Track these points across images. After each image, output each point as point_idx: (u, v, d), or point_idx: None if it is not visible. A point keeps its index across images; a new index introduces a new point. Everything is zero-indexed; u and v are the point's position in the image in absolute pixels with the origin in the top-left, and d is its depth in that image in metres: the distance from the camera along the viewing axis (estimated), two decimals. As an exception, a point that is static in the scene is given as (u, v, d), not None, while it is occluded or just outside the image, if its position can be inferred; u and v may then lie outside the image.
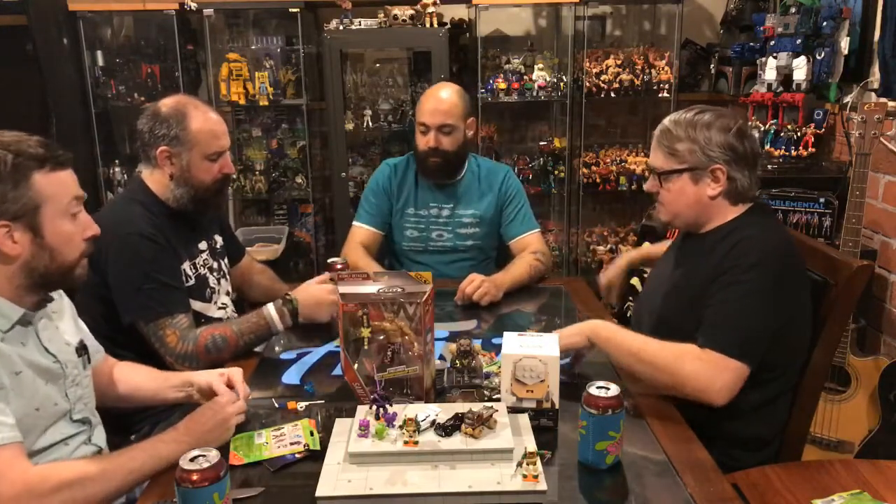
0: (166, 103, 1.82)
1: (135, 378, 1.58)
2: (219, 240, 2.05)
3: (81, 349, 1.42)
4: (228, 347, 1.73)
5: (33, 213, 1.24)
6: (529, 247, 2.35)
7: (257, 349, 1.80)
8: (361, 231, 2.41)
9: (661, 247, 2.05)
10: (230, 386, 1.46)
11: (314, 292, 1.83)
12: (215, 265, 1.99)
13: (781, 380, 1.59)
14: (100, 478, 1.20)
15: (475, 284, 2.08)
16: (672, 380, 1.46)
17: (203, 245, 1.96)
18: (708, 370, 1.44)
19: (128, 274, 1.72)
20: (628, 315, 2.11)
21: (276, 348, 1.82)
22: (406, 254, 2.42)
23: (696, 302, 1.56)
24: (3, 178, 1.21)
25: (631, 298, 2.40)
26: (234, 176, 3.81)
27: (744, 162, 1.58)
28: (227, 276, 2.06)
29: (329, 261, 2.03)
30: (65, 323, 1.41)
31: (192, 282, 1.86)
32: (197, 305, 1.86)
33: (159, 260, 1.75)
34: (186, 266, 1.86)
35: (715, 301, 1.51)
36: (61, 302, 1.43)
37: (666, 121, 1.64)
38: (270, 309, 1.78)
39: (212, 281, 1.95)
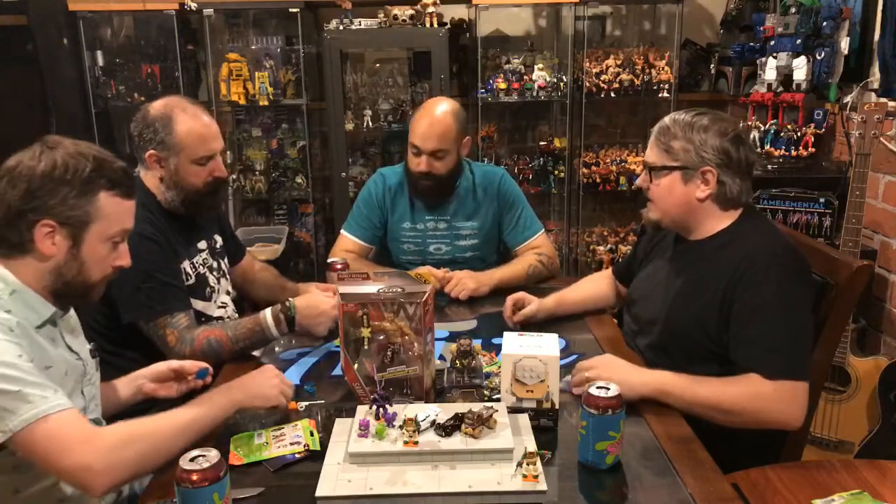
0: (155, 106, 1.80)
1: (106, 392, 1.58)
2: (218, 240, 2.05)
3: (94, 351, 1.45)
4: (223, 351, 1.72)
5: (82, 225, 1.28)
6: (533, 248, 2.32)
7: (255, 353, 1.79)
8: (348, 241, 2.34)
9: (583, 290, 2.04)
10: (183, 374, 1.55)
11: (316, 301, 1.76)
12: (215, 265, 1.99)
13: None
14: (166, 431, 1.25)
15: (453, 283, 2.09)
16: (755, 420, 1.46)
17: (202, 245, 1.95)
18: (786, 402, 1.45)
19: (127, 274, 1.71)
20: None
21: (277, 348, 1.81)
22: (404, 266, 2.32)
23: (707, 312, 1.57)
24: (73, 182, 1.26)
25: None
26: (234, 176, 3.82)
27: (736, 168, 1.58)
28: (227, 276, 2.06)
29: (329, 261, 2.03)
30: (77, 327, 1.45)
31: (192, 281, 1.86)
32: (198, 305, 1.86)
33: (159, 259, 1.74)
34: (186, 265, 1.86)
35: (759, 323, 1.50)
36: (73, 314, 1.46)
37: (667, 118, 1.65)
38: (267, 315, 1.73)
39: (212, 280, 1.95)
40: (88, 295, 1.36)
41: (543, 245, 2.35)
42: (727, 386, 1.47)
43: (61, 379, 1.28)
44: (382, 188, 2.35)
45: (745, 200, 1.63)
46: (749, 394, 1.45)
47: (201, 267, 1.92)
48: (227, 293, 2.04)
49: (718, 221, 1.62)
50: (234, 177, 3.83)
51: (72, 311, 1.44)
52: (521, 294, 1.92)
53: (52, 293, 1.30)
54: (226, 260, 2.07)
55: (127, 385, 1.55)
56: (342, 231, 2.38)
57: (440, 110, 2.23)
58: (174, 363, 1.56)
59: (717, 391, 1.46)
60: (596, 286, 2.05)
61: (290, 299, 1.77)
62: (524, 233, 2.35)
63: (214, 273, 1.97)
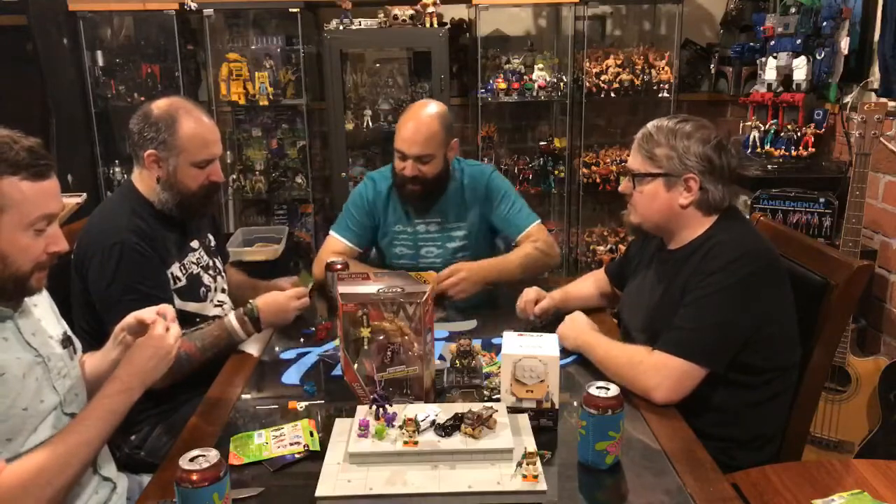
0: (159, 105, 1.79)
1: (93, 360, 1.55)
2: (212, 238, 2.05)
3: (66, 341, 1.40)
4: (194, 362, 1.70)
5: None
6: (529, 238, 2.28)
7: (255, 354, 1.78)
8: (338, 243, 2.31)
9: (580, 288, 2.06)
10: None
11: (277, 299, 1.81)
12: (210, 263, 1.98)
13: (777, 382, 1.60)
14: (63, 462, 1.22)
15: (450, 281, 2.07)
16: (629, 384, 1.49)
17: (195, 244, 1.95)
18: (662, 375, 1.48)
19: (109, 285, 1.70)
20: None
21: (276, 348, 1.81)
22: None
23: (675, 314, 1.57)
24: None
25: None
26: (234, 176, 3.82)
27: (718, 175, 1.59)
28: (223, 274, 2.06)
29: (328, 261, 2.03)
30: (46, 315, 1.39)
31: (182, 283, 1.85)
32: (190, 306, 1.85)
33: (142, 270, 1.73)
34: (175, 268, 1.84)
35: (685, 306, 1.54)
36: (40, 295, 1.40)
37: (649, 125, 1.65)
38: (231, 319, 1.75)
39: (206, 279, 1.94)
40: (25, 287, 1.25)
41: (537, 233, 2.30)
42: (622, 350, 1.59)
43: (16, 384, 1.23)
44: (374, 193, 2.33)
45: (726, 205, 1.64)
46: (633, 360, 1.52)
47: (194, 267, 1.91)
48: (223, 290, 2.04)
49: (698, 227, 1.63)
50: (234, 177, 3.83)
51: (40, 300, 1.38)
52: (535, 290, 1.95)
53: None
54: (220, 259, 2.07)
55: (115, 346, 1.50)
56: (331, 232, 2.36)
57: (425, 114, 2.20)
58: (138, 314, 1.47)
59: (611, 353, 1.59)
60: (594, 284, 2.06)
61: (252, 301, 1.79)
62: (518, 225, 2.31)
63: (210, 272, 1.97)
